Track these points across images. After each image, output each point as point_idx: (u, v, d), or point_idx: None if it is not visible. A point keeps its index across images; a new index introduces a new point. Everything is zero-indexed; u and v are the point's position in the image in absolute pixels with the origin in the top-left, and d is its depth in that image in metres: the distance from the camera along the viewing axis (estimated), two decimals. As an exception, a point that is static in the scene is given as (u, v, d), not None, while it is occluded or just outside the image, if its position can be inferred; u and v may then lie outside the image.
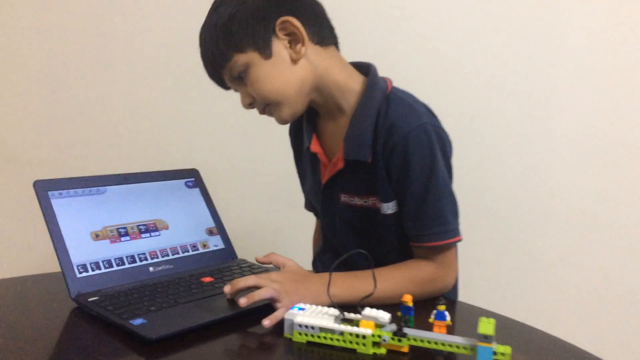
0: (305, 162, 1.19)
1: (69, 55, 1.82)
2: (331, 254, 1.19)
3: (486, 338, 0.73)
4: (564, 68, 1.63)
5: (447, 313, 0.84)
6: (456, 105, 1.64)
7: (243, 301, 0.87)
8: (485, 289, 1.57)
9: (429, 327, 0.79)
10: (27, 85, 1.84)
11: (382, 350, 0.78)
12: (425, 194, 1.00)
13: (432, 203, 1.00)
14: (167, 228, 1.10)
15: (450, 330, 0.82)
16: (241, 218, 1.77)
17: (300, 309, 0.84)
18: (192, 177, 1.20)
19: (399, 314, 0.86)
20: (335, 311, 0.83)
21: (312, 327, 0.81)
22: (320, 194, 1.13)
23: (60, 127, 1.85)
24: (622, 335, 1.67)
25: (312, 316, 0.82)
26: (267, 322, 0.84)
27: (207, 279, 1.02)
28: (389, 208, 1.04)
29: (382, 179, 1.02)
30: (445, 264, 1.03)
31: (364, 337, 0.78)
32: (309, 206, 1.30)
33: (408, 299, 0.84)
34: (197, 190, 1.19)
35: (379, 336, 0.78)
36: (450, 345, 0.76)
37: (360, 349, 0.79)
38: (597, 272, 1.68)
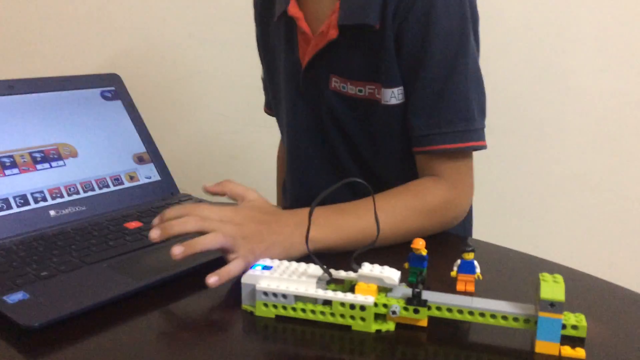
0: (276, 38, 0.90)
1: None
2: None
3: (552, 306, 0.47)
4: None
5: (476, 263, 0.59)
6: None
7: (177, 251, 0.58)
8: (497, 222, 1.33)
9: (449, 285, 0.54)
10: None
11: (390, 326, 0.52)
12: (448, 75, 0.75)
13: (455, 89, 0.75)
14: (75, 155, 0.79)
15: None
16: (183, 140, 1.45)
17: (265, 267, 0.56)
18: (111, 86, 0.88)
19: (406, 266, 0.59)
20: (317, 269, 0.56)
21: (284, 296, 0.54)
22: (299, 81, 0.85)
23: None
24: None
25: (282, 279, 0.55)
26: (212, 279, 0.57)
27: (134, 224, 0.73)
28: (392, 97, 0.78)
29: (389, 55, 0.76)
30: (460, 181, 0.78)
31: (362, 308, 0.52)
32: (271, 107, 1.03)
33: (420, 245, 0.58)
34: (118, 103, 0.87)
35: (385, 306, 0.52)
36: (494, 317, 0.50)
37: (357, 325, 0.52)
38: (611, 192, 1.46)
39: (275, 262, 0.58)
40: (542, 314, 0.48)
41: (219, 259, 0.64)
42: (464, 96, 0.76)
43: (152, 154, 0.87)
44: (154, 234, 0.60)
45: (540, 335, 0.48)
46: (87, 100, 0.84)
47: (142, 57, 1.42)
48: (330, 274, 0.55)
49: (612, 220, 1.45)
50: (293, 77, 0.87)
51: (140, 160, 0.85)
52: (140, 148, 0.86)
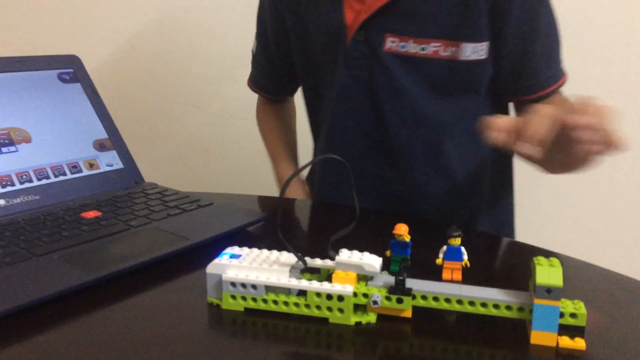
0: (305, 4, 0.84)
1: None
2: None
3: (549, 292, 0.43)
4: None
5: (463, 249, 0.54)
6: None
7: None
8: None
9: (434, 273, 0.49)
10: None
11: (371, 318, 0.47)
12: (538, 16, 0.77)
13: (547, 30, 0.79)
14: (28, 141, 0.73)
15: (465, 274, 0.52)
16: (151, 130, 1.39)
17: (233, 256, 0.51)
18: (70, 67, 0.82)
19: (388, 254, 0.55)
20: (290, 257, 0.50)
21: (253, 286, 0.48)
22: (344, 46, 0.80)
23: None
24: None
25: (252, 267, 0.49)
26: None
27: (91, 214, 0.67)
28: (475, 51, 0.76)
29: (476, 7, 0.74)
30: None
31: (340, 298, 0.47)
32: (261, 83, 1.00)
33: (403, 231, 0.54)
34: (77, 86, 0.81)
35: (366, 296, 0.47)
36: (484, 306, 0.45)
37: (335, 317, 0.47)
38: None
39: (244, 250, 0.52)
40: (537, 301, 0.43)
41: (182, 252, 0.58)
42: (553, 34, 0.80)
43: (114, 140, 0.81)
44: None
45: (537, 325, 0.43)
46: (43, 83, 0.78)
47: (106, 41, 1.35)
48: (304, 262, 0.50)
49: None
50: (334, 43, 0.81)
51: (101, 147, 0.79)
52: (102, 134, 0.80)
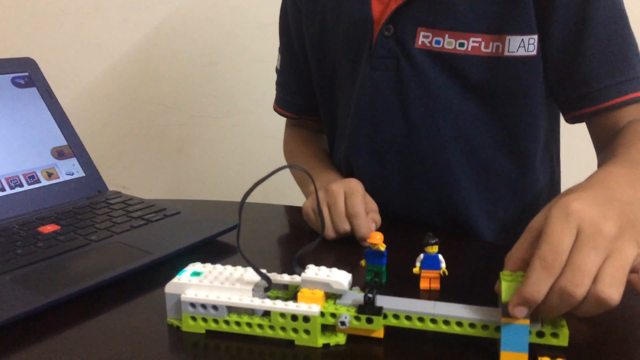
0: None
1: None
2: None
3: None
4: None
5: (441, 257, 0.52)
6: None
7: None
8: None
9: (412, 283, 0.47)
10: None
11: (340, 339, 0.45)
12: (619, 9, 0.65)
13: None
14: (-20, 151, 0.69)
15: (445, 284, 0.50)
16: (115, 133, 1.34)
17: (195, 274, 0.48)
18: (25, 71, 0.77)
19: (363, 263, 0.53)
20: (255, 274, 0.47)
21: (214, 307, 0.46)
22: (370, 44, 0.71)
23: None
24: None
25: (213, 287, 0.46)
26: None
27: (49, 228, 0.64)
28: (523, 46, 0.66)
29: None
30: None
31: (306, 319, 0.44)
32: (289, 101, 0.89)
33: (378, 240, 0.52)
34: (33, 91, 0.77)
35: (334, 315, 0.44)
36: (459, 325, 0.43)
37: (301, 339, 0.45)
38: None
39: (206, 267, 0.49)
40: (505, 320, 0.41)
41: (144, 268, 0.55)
42: (631, 36, 0.66)
43: (74, 147, 0.77)
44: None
45: (506, 345, 0.41)
46: (-5, 88, 0.74)
47: (64, 41, 1.29)
48: (268, 280, 0.47)
49: None
50: (358, 40, 0.73)
51: (60, 154, 0.75)
52: (60, 141, 0.76)
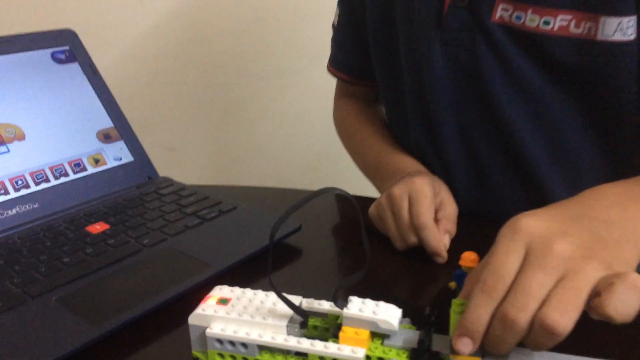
0: None
1: None
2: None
3: None
4: None
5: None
6: None
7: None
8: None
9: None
10: None
11: None
12: None
13: None
14: (21, 138, 0.63)
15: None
16: (157, 92, 1.27)
17: (222, 301, 0.42)
18: (65, 45, 0.70)
19: (453, 285, 0.46)
20: (285, 308, 0.41)
21: (244, 345, 0.40)
22: (440, 14, 0.62)
23: None
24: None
25: (242, 320, 0.40)
26: None
27: (98, 227, 0.58)
28: (621, 29, 0.54)
29: None
30: None
31: None
32: (344, 62, 0.81)
33: (472, 260, 0.45)
34: (75, 67, 0.70)
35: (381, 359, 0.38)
36: None
37: None
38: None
39: (234, 292, 0.43)
40: (453, 358, 0.35)
41: (201, 285, 0.49)
42: None
43: (121, 128, 0.70)
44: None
45: None
46: (34, 65, 0.67)
47: (103, 8, 1.21)
48: (305, 316, 0.40)
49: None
50: (426, 10, 0.63)
51: (106, 137, 0.69)
52: (106, 122, 0.70)
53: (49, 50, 0.69)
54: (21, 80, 0.65)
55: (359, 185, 0.75)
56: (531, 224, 0.37)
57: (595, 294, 0.34)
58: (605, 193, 0.44)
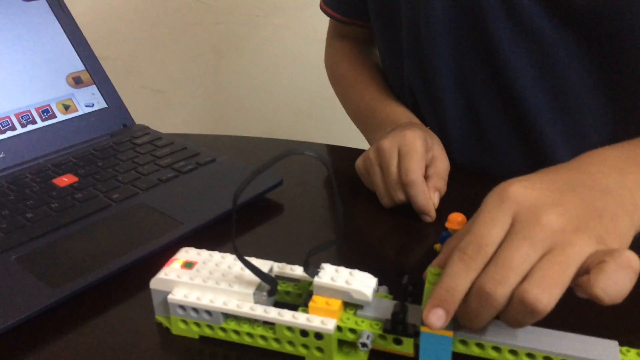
0: None
1: None
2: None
3: None
4: None
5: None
6: None
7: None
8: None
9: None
10: None
11: (361, 357, 0.36)
12: None
13: None
14: (-17, 82, 0.59)
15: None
16: (143, 31, 1.21)
17: (187, 265, 0.39)
18: (30, -22, 0.65)
19: (438, 247, 0.44)
20: (251, 276, 0.38)
21: (208, 312, 0.37)
22: None
23: None
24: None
25: (207, 286, 0.37)
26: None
27: (65, 180, 0.55)
28: None
29: None
30: None
31: (318, 336, 0.35)
32: (341, 1, 0.74)
33: (459, 221, 0.42)
34: (42, 4, 0.65)
35: (353, 331, 0.35)
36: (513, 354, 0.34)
37: (312, 357, 0.36)
38: None
39: (201, 255, 0.40)
40: (424, 329, 0.33)
41: (170, 245, 0.46)
42: None
43: (93, 72, 0.66)
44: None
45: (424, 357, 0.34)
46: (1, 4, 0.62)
47: None
48: (274, 283, 0.37)
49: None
50: None
51: (77, 82, 0.64)
52: (77, 65, 0.65)
53: (12, -15, 0.63)
54: (-19, 19, 0.60)
55: (354, 130, 0.71)
56: (520, 192, 0.33)
57: (584, 270, 0.31)
58: (605, 158, 0.40)
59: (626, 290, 0.30)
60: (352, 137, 0.76)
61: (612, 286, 0.29)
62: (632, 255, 0.30)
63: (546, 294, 0.30)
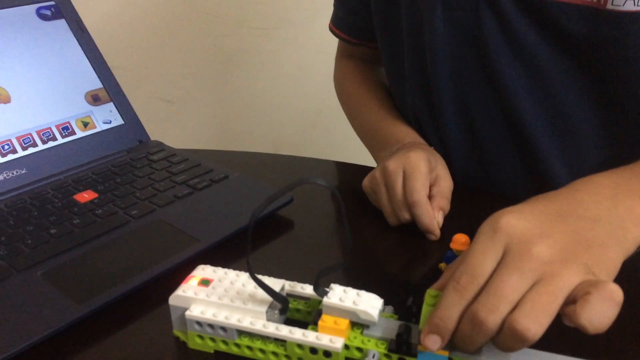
0: None
1: None
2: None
3: None
4: None
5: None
6: None
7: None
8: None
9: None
10: None
11: None
12: None
13: None
14: (7, 101, 0.61)
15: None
16: (157, 43, 1.24)
17: (204, 282, 0.41)
18: (51, 0, 0.67)
19: (443, 267, 0.46)
20: (264, 294, 0.40)
21: (223, 328, 0.39)
22: None
23: None
24: None
25: (222, 304, 0.40)
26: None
27: (86, 196, 0.57)
28: None
29: None
30: None
31: (327, 353, 0.38)
32: (346, 20, 0.77)
33: (463, 242, 0.44)
34: (61, 24, 0.67)
35: (360, 350, 0.38)
36: None
37: None
38: None
39: (217, 273, 0.42)
40: (421, 349, 0.36)
41: (189, 261, 0.48)
42: None
43: (110, 90, 0.68)
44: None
45: None
46: (18, 22, 0.64)
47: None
48: (285, 302, 0.40)
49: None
50: None
51: (95, 99, 0.67)
52: (95, 83, 0.67)
53: (34, 6, 0.66)
54: (4, 39, 0.63)
55: (359, 142, 0.74)
56: (512, 224, 0.35)
57: (572, 299, 0.33)
58: (597, 185, 0.42)
59: (609, 321, 0.32)
60: (357, 148, 0.79)
61: (596, 317, 0.31)
62: (615, 287, 0.32)
63: (535, 324, 0.32)
